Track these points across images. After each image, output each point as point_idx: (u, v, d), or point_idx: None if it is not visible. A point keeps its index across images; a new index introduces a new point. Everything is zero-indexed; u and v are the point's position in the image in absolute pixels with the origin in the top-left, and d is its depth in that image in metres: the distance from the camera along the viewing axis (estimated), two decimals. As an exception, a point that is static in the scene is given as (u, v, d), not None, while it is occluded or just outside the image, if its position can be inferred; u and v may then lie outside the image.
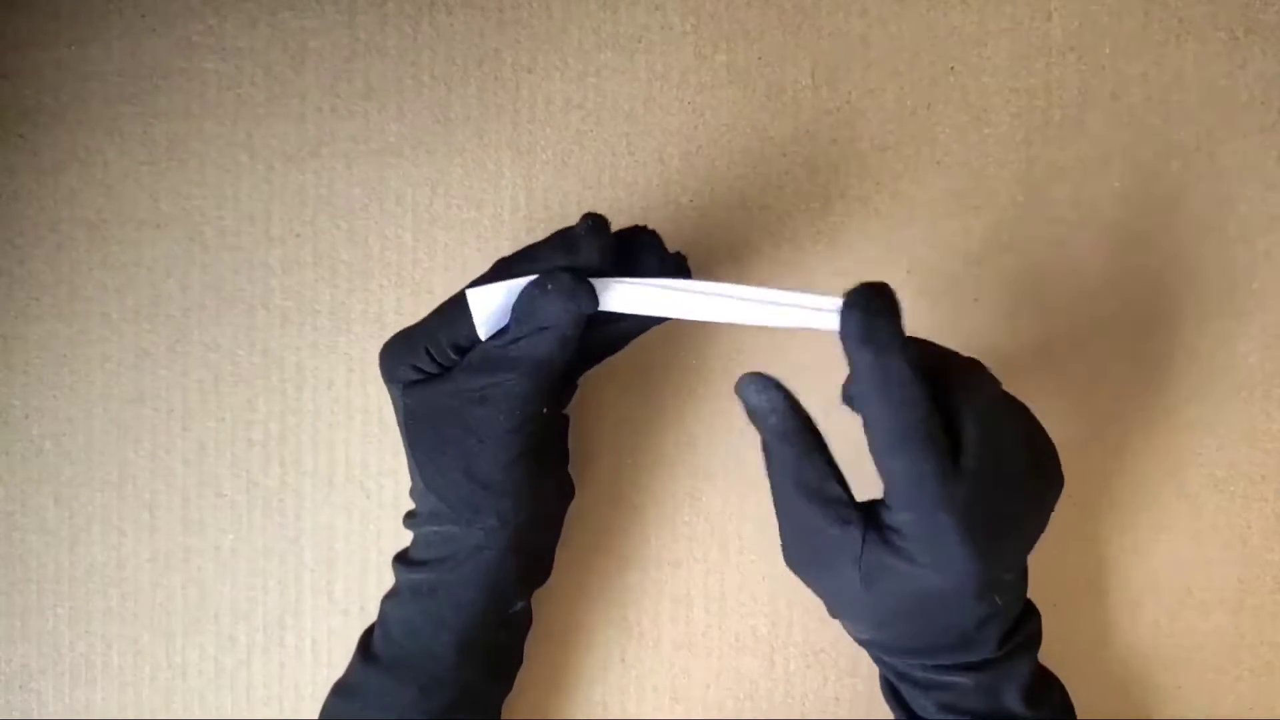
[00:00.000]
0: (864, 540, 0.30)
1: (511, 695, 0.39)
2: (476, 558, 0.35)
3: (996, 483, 0.29)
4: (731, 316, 0.31)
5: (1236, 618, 0.40)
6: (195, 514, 0.43)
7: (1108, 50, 0.40)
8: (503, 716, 0.39)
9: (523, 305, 0.32)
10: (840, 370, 0.30)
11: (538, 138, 0.41)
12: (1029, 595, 0.35)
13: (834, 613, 0.34)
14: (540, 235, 0.34)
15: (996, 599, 0.31)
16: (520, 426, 0.33)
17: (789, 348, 0.40)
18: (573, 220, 0.35)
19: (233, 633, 0.43)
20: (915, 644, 0.33)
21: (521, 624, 0.38)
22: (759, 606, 0.41)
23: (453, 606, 0.35)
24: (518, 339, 0.32)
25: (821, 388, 0.32)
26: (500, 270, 0.33)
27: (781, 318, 0.31)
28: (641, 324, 0.35)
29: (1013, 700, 0.33)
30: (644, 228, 0.35)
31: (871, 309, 0.28)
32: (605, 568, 0.41)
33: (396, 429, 0.42)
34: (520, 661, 0.39)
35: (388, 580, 0.38)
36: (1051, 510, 0.33)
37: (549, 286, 0.31)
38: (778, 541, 0.33)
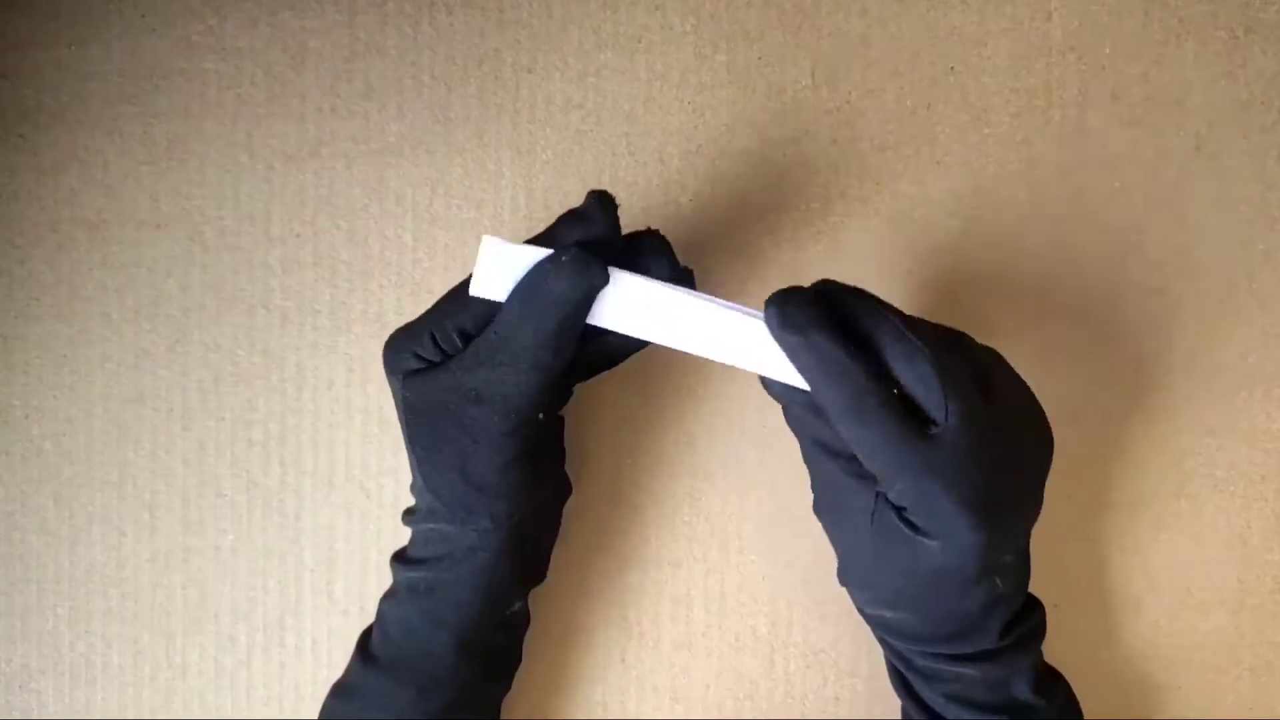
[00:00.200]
0: (876, 497, 0.31)
1: (511, 695, 0.39)
2: (471, 559, 0.35)
3: (981, 445, 0.29)
4: (703, 351, 0.31)
5: (1236, 618, 0.40)
6: (195, 514, 0.43)
7: (1108, 50, 0.40)
8: (503, 716, 0.39)
9: (533, 278, 0.31)
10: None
11: (538, 138, 0.41)
12: (1035, 596, 0.35)
13: (844, 577, 0.34)
14: (540, 235, 0.34)
15: (997, 581, 0.31)
16: (515, 429, 0.33)
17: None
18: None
19: (233, 633, 0.43)
20: (920, 628, 0.33)
21: (520, 624, 0.38)
22: (759, 606, 0.41)
23: (450, 606, 0.35)
24: (523, 319, 0.31)
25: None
26: None
27: (743, 356, 0.31)
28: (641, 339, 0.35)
29: (1022, 691, 0.33)
30: (653, 231, 0.35)
31: (787, 300, 0.30)
32: (605, 568, 0.41)
33: (397, 429, 0.42)
34: (519, 661, 0.39)
35: (387, 580, 0.38)
36: (1045, 477, 0.32)
37: (562, 259, 0.31)
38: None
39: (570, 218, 0.33)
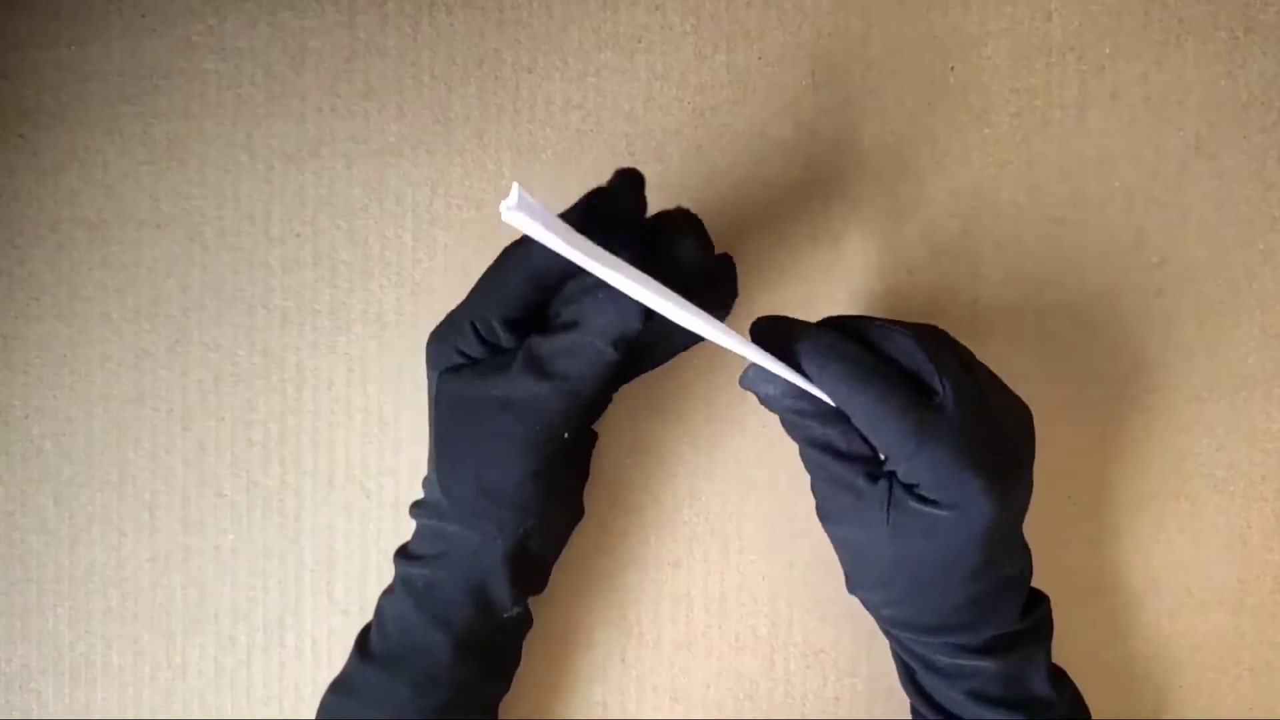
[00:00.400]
0: (891, 489, 0.31)
1: (511, 695, 0.39)
2: (471, 561, 0.35)
3: (978, 414, 0.30)
4: (700, 330, 0.31)
5: (1236, 618, 0.40)
6: (195, 514, 0.43)
7: (1108, 50, 0.40)
8: (502, 716, 0.39)
9: (574, 299, 0.32)
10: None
11: (538, 138, 0.41)
12: (1040, 589, 0.35)
13: (853, 584, 0.34)
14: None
15: (1009, 564, 0.32)
16: (538, 447, 0.33)
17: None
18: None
19: (233, 633, 0.43)
20: (941, 617, 0.33)
21: (519, 626, 0.38)
22: (759, 606, 0.41)
23: (445, 605, 0.35)
24: (566, 332, 0.31)
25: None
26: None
27: (732, 342, 0.31)
28: (687, 340, 0.35)
29: (1038, 685, 0.34)
30: (684, 210, 0.35)
31: (773, 321, 0.31)
32: (605, 568, 0.41)
33: (397, 429, 0.42)
34: (518, 662, 0.39)
35: (387, 580, 0.38)
36: (1032, 462, 0.33)
37: (600, 295, 0.31)
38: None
39: (598, 196, 0.33)
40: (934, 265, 0.40)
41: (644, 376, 0.38)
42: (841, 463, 0.32)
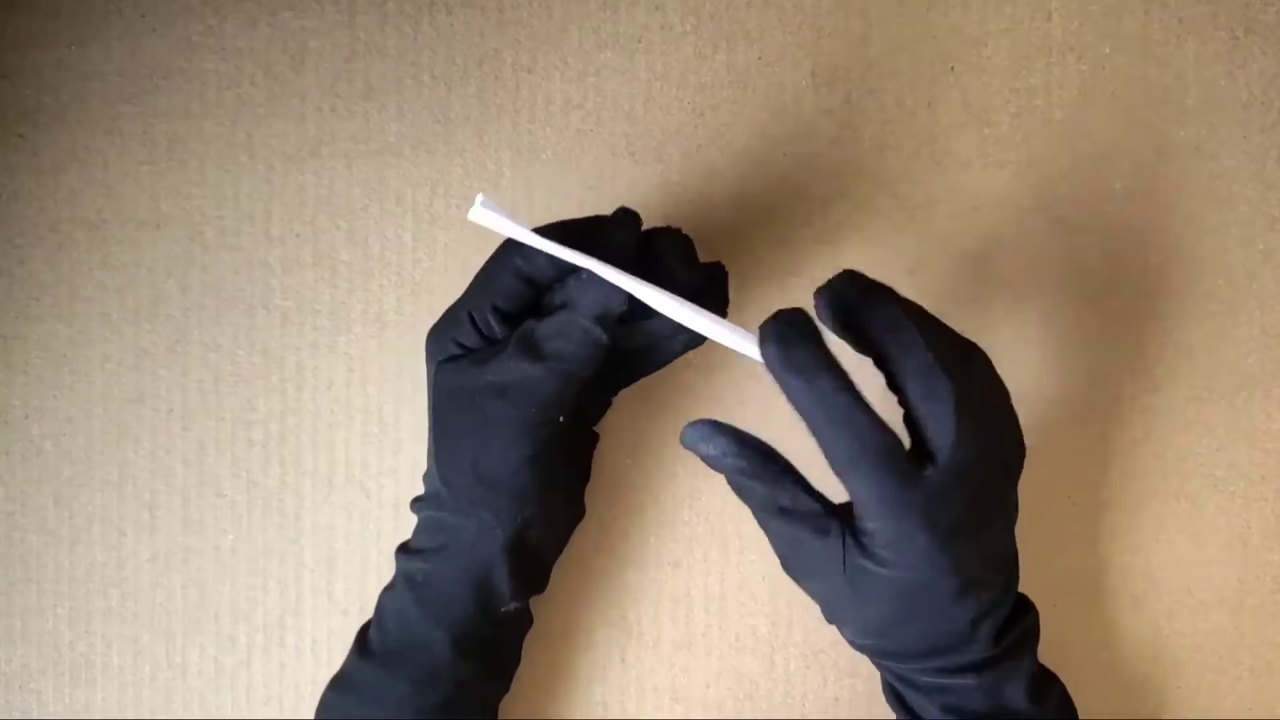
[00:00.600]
0: (844, 547, 0.31)
1: (511, 695, 0.39)
2: (470, 552, 0.35)
3: (963, 483, 0.29)
4: (689, 323, 0.31)
5: (1236, 618, 0.40)
6: (195, 514, 0.43)
7: (1108, 50, 0.40)
8: (502, 716, 0.39)
9: (562, 285, 0.33)
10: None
11: (538, 138, 0.41)
12: (1026, 592, 0.35)
13: (830, 618, 0.34)
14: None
15: (981, 596, 0.31)
16: (534, 429, 0.33)
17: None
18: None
19: (233, 633, 0.43)
20: (912, 648, 0.33)
21: (519, 624, 0.38)
22: (759, 606, 0.41)
23: (444, 600, 0.35)
24: (554, 315, 0.32)
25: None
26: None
27: (728, 338, 0.31)
28: (687, 343, 0.35)
29: (1016, 698, 0.33)
30: (674, 230, 0.35)
31: (787, 337, 0.28)
32: (605, 568, 0.41)
33: (397, 429, 0.42)
34: (518, 662, 0.39)
35: (387, 579, 0.38)
36: (1016, 484, 0.32)
37: (583, 276, 0.32)
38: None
39: (593, 223, 0.34)
40: (934, 265, 0.40)
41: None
42: (790, 522, 0.31)
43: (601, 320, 0.32)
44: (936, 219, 0.40)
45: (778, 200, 0.41)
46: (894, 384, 0.30)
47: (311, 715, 0.38)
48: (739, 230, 0.41)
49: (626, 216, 0.34)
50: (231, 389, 0.42)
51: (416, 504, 0.37)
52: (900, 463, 0.29)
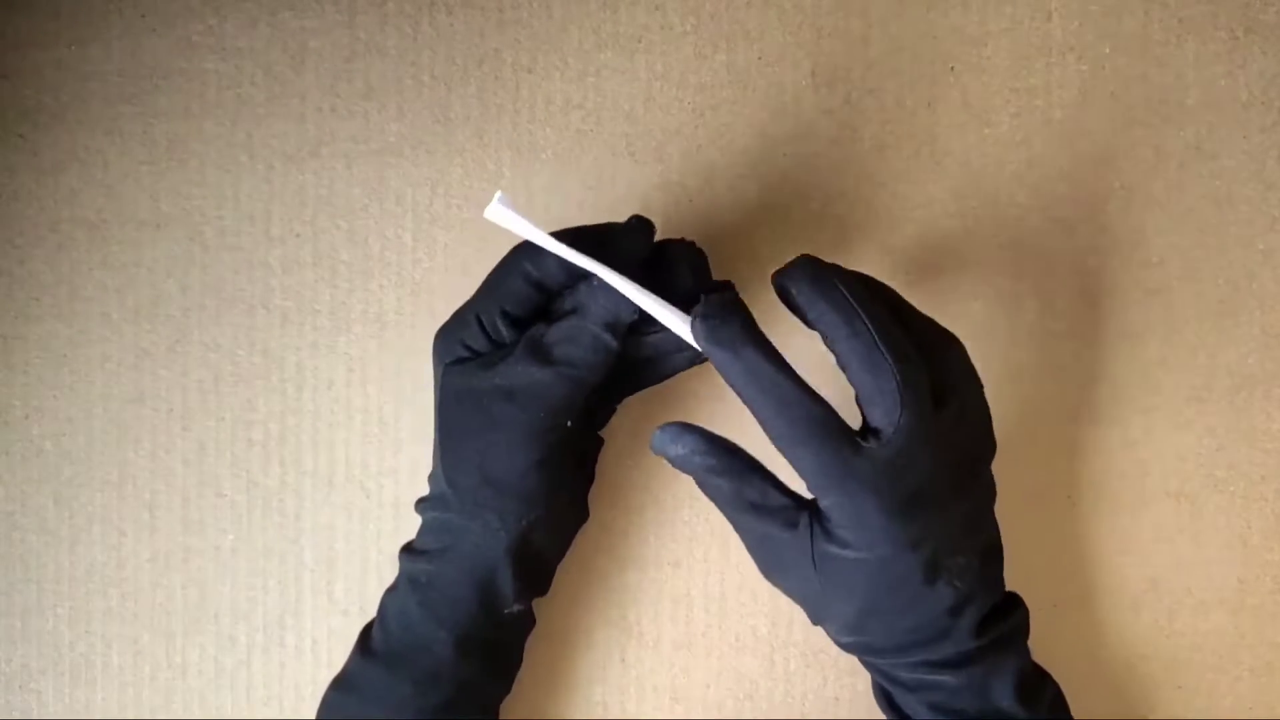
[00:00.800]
0: (812, 536, 0.31)
1: (511, 695, 0.39)
2: (474, 554, 0.35)
3: (914, 458, 0.30)
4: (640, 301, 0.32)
5: (1236, 618, 0.40)
6: (195, 514, 0.43)
7: (1108, 50, 0.40)
8: (503, 716, 0.39)
9: (572, 291, 0.33)
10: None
11: (538, 138, 0.41)
12: (1021, 594, 0.35)
13: (813, 618, 0.34)
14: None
15: (956, 583, 0.31)
16: (541, 433, 0.33)
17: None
18: (572, 222, 0.35)
19: (233, 633, 0.43)
20: (893, 641, 0.33)
21: (521, 625, 0.38)
22: (759, 606, 0.41)
23: (448, 601, 0.35)
24: (564, 320, 0.32)
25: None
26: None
27: (658, 312, 0.32)
28: (693, 359, 0.35)
29: (1004, 698, 0.33)
30: (687, 241, 0.35)
31: (715, 314, 0.30)
32: (605, 568, 0.41)
33: (397, 429, 0.42)
34: (519, 663, 0.39)
35: (388, 580, 0.38)
36: (986, 471, 0.33)
37: (594, 282, 0.32)
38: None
39: (607, 230, 0.34)
40: (934, 265, 0.40)
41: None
42: (760, 517, 0.32)
43: (612, 327, 0.32)
44: (936, 219, 0.40)
45: (778, 200, 0.41)
46: (840, 362, 0.31)
47: (312, 715, 0.38)
48: (739, 230, 0.41)
49: (640, 224, 0.35)
50: (231, 389, 0.42)
51: (421, 505, 0.37)
52: (836, 432, 0.29)
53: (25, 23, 0.43)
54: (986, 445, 0.33)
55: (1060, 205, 0.40)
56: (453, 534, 0.35)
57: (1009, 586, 0.35)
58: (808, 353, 0.34)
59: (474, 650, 0.36)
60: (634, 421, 0.41)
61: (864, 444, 0.30)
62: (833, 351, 0.31)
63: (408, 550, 0.37)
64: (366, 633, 0.38)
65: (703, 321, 0.30)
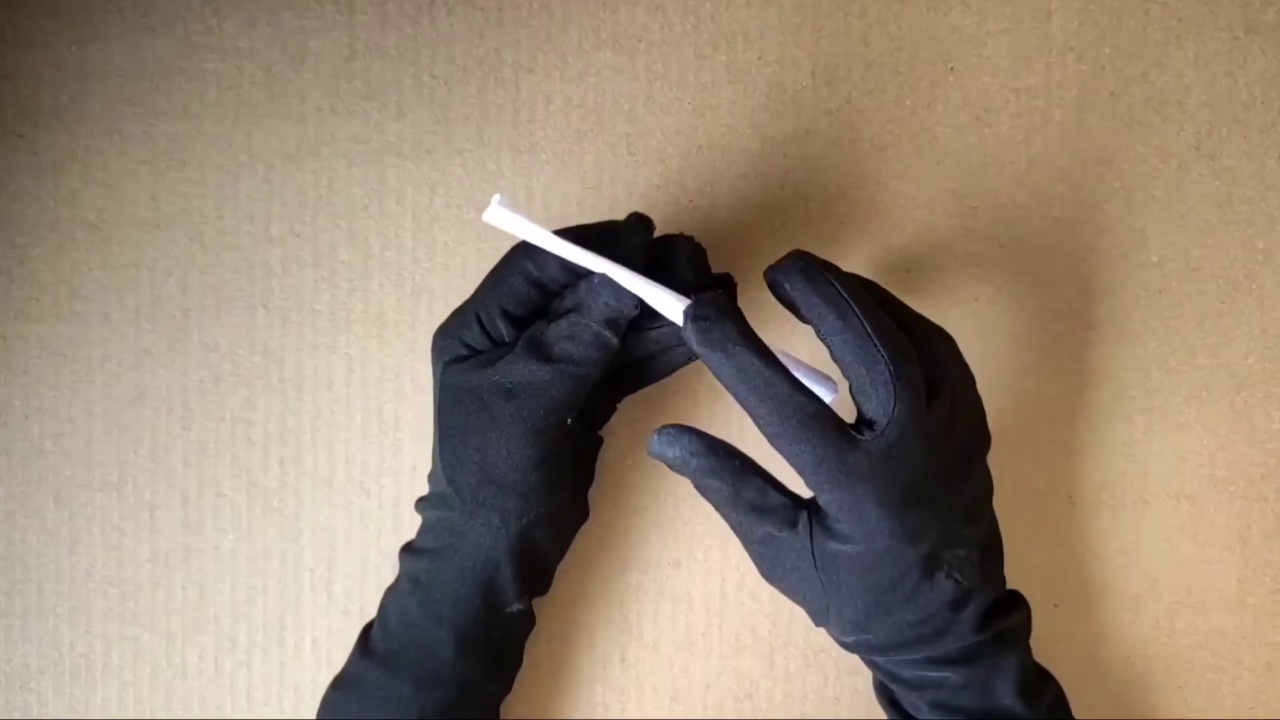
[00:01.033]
0: (812, 534, 0.31)
1: (512, 695, 0.39)
2: (476, 553, 0.35)
3: (908, 451, 0.30)
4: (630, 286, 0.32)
5: (1236, 618, 0.40)
6: (195, 514, 0.43)
7: (1108, 50, 0.40)
8: (503, 716, 0.39)
9: (572, 289, 0.33)
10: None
11: (538, 138, 0.41)
12: (1026, 592, 0.35)
13: (815, 619, 0.34)
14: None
15: (957, 576, 0.31)
16: (542, 431, 0.33)
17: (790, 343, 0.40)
18: (572, 222, 0.35)
19: (233, 633, 0.43)
20: (896, 637, 0.33)
21: (522, 624, 0.38)
22: (759, 606, 0.41)
23: (449, 601, 0.35)
24: (564, 318, 0.32)
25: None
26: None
27: (664, 306, 0.32)
28: (690, 354, 0.35)
29: (1006, 695, 0.33)
30: (687, 237, 0.35)
31: (706, 314, 0.30)
32: (605, 568, 0.41)
33: (397, 429, 0.42)
34: (520, 663, 0.39)
35: (387, 580, 0.38)
36: (981, 464, 0.33)
37: (595, 280, 0.32)
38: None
39: (607, 229, 0.34)
40: (934, 265, 0.40)
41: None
42: (760, 518, 0.32)
43: (613, 324, 0.32)
44: (936, 219, 0.40)
45: (778, 200, 0.41)
46: (834, 355, 0.31)
47: (312, 715, 0.38)
48: (739, 230, 0.41)
49: (640, 222, 0.35)
50: (231, 389, 0.42)
51: (421, 504, 0.37)
52: (830, 427, 0.30)
53: (25, 23, 0.43)
54: (981, 438, 0.33)
55: (1060, 205, 0.40)
56: (454, 533, 0.35)
57: (1009, 586, 0.35)
58: (808, 353, 0.34)
59: (475, 649, 0.36)
60: (634, 421, 0.41)
61: (859, 437, 0.30)
62: (826, 344, 0.31)
63: (408, 549, 0.37)
64: (367, 632, 0.38)
65: (694, 323, 0.30)
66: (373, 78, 0.42)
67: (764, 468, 0.32)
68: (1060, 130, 0.40)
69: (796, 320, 0.32)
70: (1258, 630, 0.40)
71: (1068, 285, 0.40)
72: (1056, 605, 0.40)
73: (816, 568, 0.32)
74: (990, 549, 0.33)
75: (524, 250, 0.33)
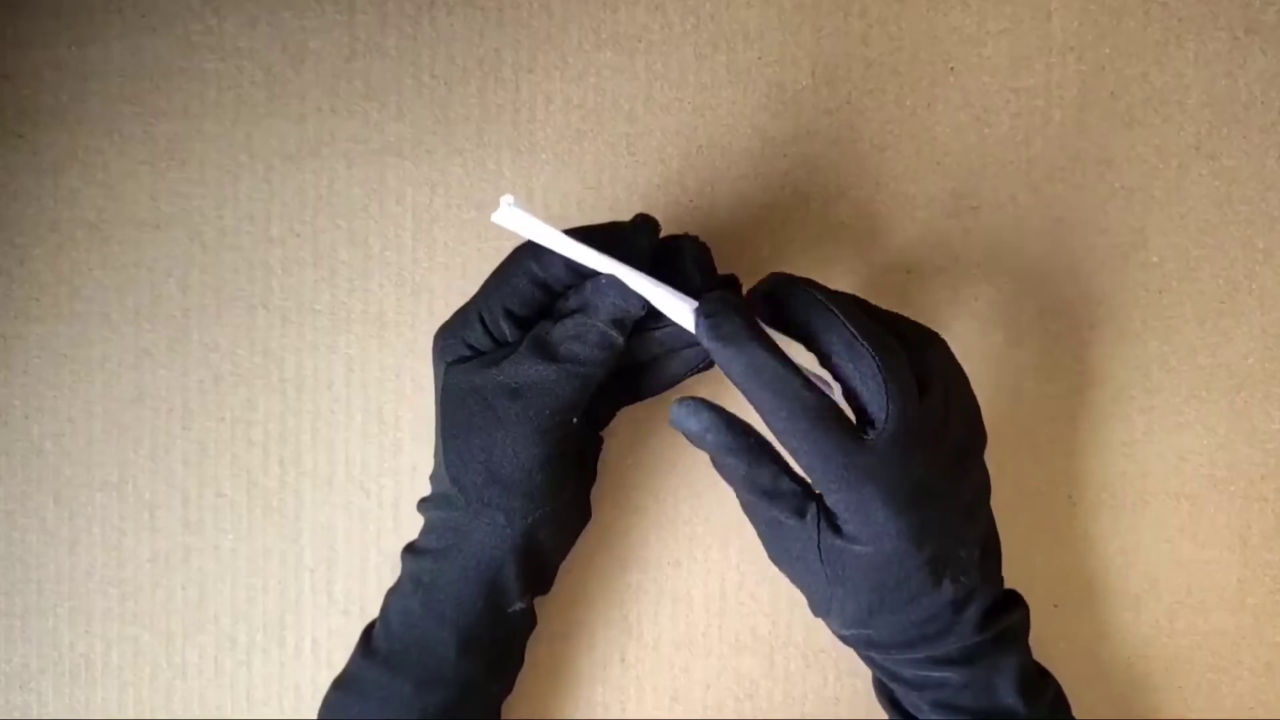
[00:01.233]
0: (820, 527, 0.31)
1: (512, 695, 0.39)
2: (479, 553, 0.35)
3: (909, 450, 0.30)
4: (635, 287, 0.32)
5: (1236, 618, 0.40)
6: (195, 514, 0.43)
7: (1108, 50, 0.40)
8: (504, 716, 0.39)
9: (578, 289, 0.33)
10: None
11: (538, 138, 0.41)
12: (1026, 592, 0.35)
13: (815, 609, 0.34)
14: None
15: (961, 578, 0.32)
16: (548, 430, 0.33)
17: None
18: (572, 222, 0.35)
19: (233, 633, 0.43)
20: (897, 636, 0.33)
21: (523, 624, 0.38)
22: (759, 606, 0.41)
23: (451, 601, 0.35)
24: (570, 317, 0.33)
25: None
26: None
27: (671, 309, 0.32)
28: (698, 358, 0.35)
29: (1007, 694, 0.33)
30: (692, 237, 0.35)
31: (717, 310, 0.31)
32: (605, 568, 0.41)
33: (396, 429, 0.42)
34: (521, 663, 0.39)
35: (388, 580, 0.38)
36: (979, 467, 0.33)
37: (601, 280, 0.32)
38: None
39: (613, 230, 0.34)
40: (934, 265, 0.40)
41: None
42: (770, 503, 0.32)
43: (619, 324, 0.32)
44: (936, 219, 0.40)
45: (778, 200, 0.41)
46: (826, 363, 0.31)
47: (312, 715, 0.38)
48: (739, 230, 0.41)
49: (645, 223, 0.35)
50: (231, 389, 0.42)
51: (424, 504, 0.37)
52: (837, 425, 0.30)
53: (25, 23, 0.43)
54: (977, 435, 0.33)
55: (1060, 205, 0.40)
56: (458, 533, 0.35)
57: (1008, 586, 0.35)
58: (808, 354, 0.34)
59: (477, 649, 0.36)
60: (634, 422, 0.41)
61: (865, 436, 0.30)
62: (817, 354, 0.31)
63: (410, 550, 0.37)
64: (368, 633, 0.38)
65: (705, 318, 0.31)
66: (373, 78, 0.42)
67: (779, 451, 0.32)
68: (1060, 130, 0.40)
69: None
70: (1258, 630, 0.40)
71: (1068, 285, 0.40)
72: (1056, 605, 0.40)
73: (822, 561, 0.32)
74: (989, 548, 0.33)
75: (528, 251, 0.33)
